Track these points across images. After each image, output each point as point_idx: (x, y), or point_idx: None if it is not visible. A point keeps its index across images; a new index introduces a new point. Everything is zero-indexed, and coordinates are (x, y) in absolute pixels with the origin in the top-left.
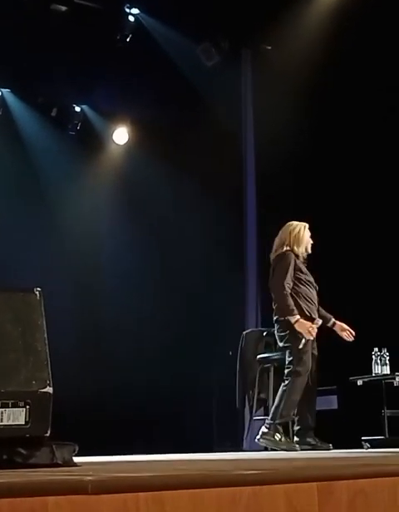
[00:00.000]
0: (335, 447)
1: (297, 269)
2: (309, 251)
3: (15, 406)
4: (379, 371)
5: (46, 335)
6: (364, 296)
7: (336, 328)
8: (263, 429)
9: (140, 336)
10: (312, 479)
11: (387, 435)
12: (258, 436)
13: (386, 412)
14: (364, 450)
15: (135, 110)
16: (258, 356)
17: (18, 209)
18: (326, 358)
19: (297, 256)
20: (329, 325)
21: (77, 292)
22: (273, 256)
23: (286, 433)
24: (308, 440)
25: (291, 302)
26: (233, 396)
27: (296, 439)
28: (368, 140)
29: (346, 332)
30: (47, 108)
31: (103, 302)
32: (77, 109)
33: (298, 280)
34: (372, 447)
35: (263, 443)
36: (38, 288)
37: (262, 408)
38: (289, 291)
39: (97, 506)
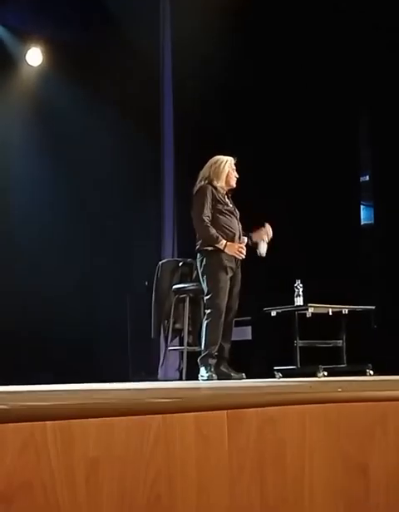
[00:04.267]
0: (248, 377)
1: (215, 200)
2: (233, 185)
3: None
4: (292, 303)
5: None
6: (279, 229)
7: (255, 238)
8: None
9: (53, 264)
10: (222, 407)
11: (299, 365)
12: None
13: (299, 343)
14: (275, 379)
15: (50, 31)
16: (174, 287)
17: None
18: (240, 289)
19: (215, 188)
20: (250, 243)
21: None
22: (194, 190)
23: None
24: (222, 369)
25: (213, 231)
26: (149, 326)
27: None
28: (288, 66)
29: (264, 234)
30: None
31: (14, 231)
32: None
33: (217, 211)
34: (284, 376)
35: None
36: None
37: (177, 338)
38: (209, 222)
39: (3, 435)
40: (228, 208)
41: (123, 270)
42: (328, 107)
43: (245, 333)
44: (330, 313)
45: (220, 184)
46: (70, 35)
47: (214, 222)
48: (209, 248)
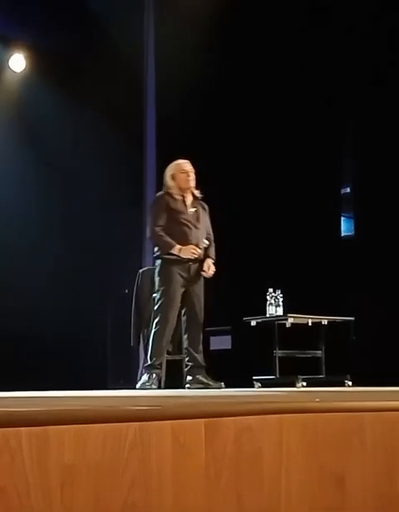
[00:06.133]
0: (228, 386)
1: (169, 209)
2: (186, 187)
3: None
4: (273, 313)
5: None
6: (259, 238)
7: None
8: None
9: (33, 271)
10: (200, 415)
11: (278, 375)
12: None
13: (278, 353)
14: (253, 389)
15: (34, 37)
16: (154, 295)
17: None
18: (220, 299)
19: (171, 196)
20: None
21: None
22: None
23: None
24: (200, 378)
25: (166, 238)
26: (128, 334)
27: (188, 378)
28: (273, 76)
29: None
30: None
31: None
32: None
33: (172, 220)
34: (263, 386)
35: (138, 387)
36: None
37: None
38: (162, 231)
39: None
40: (184, 216)
41: (103, 278)
42: (312, 119)
43: (225, 342)
44: (309, 324)
45: (173, 190)
46: (53, 41)
47: (169, 231)
48: (165, 256)
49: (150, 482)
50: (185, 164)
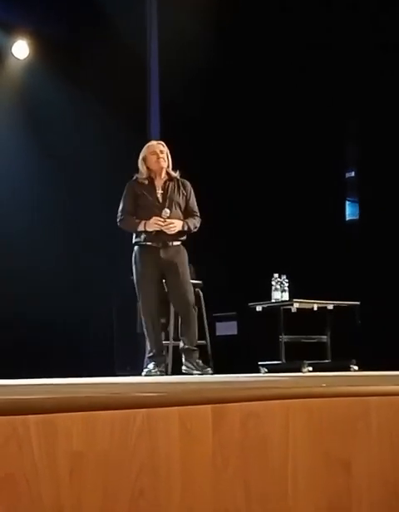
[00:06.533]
0: (233, 372)
1: (137, 196)
2: (157, 168)
3: None
4: (278, 298)
5: None
6: (264, 223)
7: None
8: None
9: (39, 258)
10: (206, 401)
11: (284, 360)
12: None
13: (284, 338)
14: (259, 374)
15: (37, 23)
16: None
17: None
18: (226, 285)
19: (137, 181)
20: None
21: None
22: None
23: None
24: (187, 362)
25: (130, 218)
26: (134, 320)
27: (183, 362)
28: (278, 62)
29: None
30: None
31: None
32: None
33: (140, 206)
34: (269, 371)
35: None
36: None
37: (163, 333)
38: (126, 216)
39: None
40: (151, 200)
41: (109, 264)
42: (316, 104)
43: (230, 328)
44: (315, 309)
45: (142, 175)
46: (56, 27)
47: (137, 216)
48: (141, 243)
49: (157, 468)
50: (155, 146)
